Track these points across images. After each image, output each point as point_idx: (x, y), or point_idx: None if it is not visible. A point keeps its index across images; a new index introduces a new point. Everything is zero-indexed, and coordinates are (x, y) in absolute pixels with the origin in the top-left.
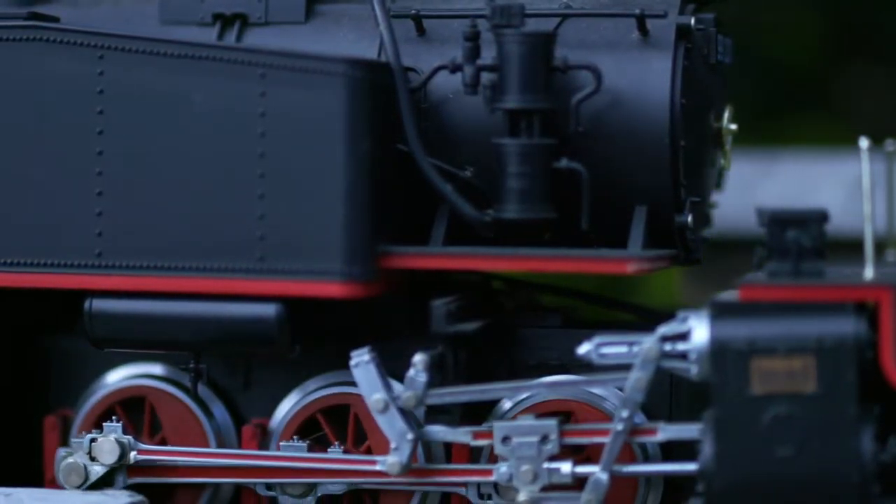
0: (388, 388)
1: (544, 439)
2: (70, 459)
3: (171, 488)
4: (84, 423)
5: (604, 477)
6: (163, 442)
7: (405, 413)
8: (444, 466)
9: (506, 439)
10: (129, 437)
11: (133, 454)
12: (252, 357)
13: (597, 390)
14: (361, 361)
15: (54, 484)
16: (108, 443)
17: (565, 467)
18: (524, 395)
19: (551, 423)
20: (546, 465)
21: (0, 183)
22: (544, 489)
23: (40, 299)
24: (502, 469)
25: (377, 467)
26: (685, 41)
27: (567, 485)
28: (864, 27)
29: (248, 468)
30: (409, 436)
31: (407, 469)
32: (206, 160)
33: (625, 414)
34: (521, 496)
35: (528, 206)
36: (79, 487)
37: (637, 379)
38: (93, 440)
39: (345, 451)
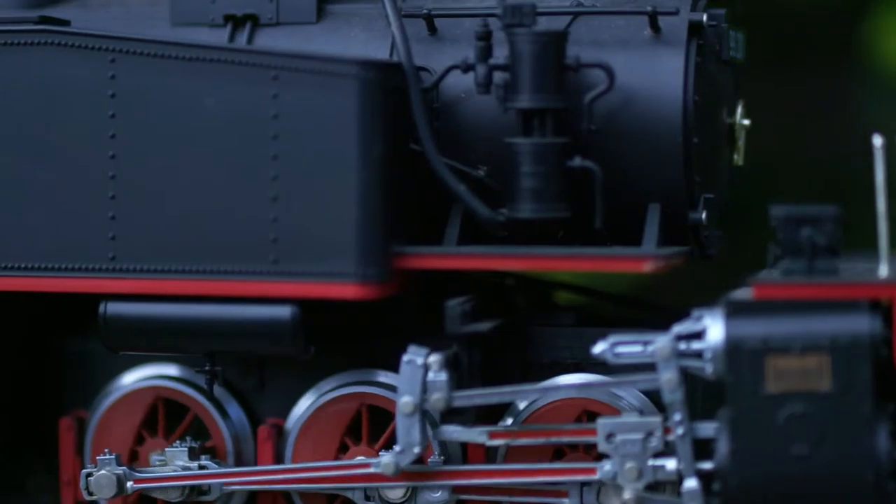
0: (422, 394)
1: (649, 436)
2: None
3: None
4: (100, 424)
5: (695, 484)
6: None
7: (424, 422)
8: (544, 466)
9: (610, 436)
10: (124, 469)
11: (130, 484)
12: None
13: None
14: (414, 361)
15: (70, 486)
16: (105, 477)
17: (670, 464)
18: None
19: (656, 420)
20: (651, 462)
21: (14, 187)
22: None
23: (54, 302)
24: (606, 467)
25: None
26: (697, 38)
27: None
28: None
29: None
30: (416, 449)
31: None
32: (219, 163)
33: (678, 417)
34: (626, 494)
35: (541, 206)
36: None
37: (668, 380)
38: (88, 475)
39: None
